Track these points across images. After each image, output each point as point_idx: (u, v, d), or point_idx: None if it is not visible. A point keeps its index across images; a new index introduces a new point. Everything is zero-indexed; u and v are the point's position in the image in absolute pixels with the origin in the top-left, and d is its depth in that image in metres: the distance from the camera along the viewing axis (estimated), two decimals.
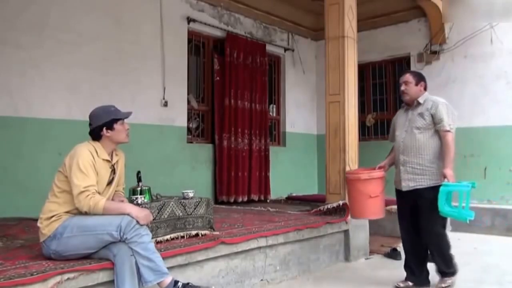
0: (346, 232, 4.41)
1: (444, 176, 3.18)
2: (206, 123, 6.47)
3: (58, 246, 2.47)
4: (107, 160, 2.68)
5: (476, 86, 6.51)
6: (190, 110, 6.17)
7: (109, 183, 2.69)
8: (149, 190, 3.13)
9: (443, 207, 3.08)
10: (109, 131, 2.66)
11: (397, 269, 4.10)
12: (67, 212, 2.54)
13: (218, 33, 6.49)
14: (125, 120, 2.77)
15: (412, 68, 7.14)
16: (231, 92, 6.38)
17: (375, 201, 3.56)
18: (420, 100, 3.40)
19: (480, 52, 6.47)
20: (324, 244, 4.19)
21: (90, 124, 2.68)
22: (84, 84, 4.87)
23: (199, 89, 6.46)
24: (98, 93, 4.84)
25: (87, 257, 2.52)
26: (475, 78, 6.53)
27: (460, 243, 5.33)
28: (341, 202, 4.38)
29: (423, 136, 3.33)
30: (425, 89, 3.47)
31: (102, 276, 2.46)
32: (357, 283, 3.69)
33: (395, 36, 7.26)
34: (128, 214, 2.48)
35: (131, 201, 2.93)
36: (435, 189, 3.22)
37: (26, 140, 4.46)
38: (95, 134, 2.67)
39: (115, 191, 2.80)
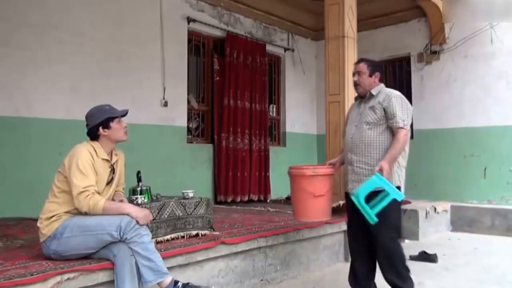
0: (346, 232, 4.40)
1: (380, 169, 2.71)
2: (206, 123, 6.47)
3: (58, 246, 2.47)
4: (106, 160, 2.67)
5: (476, 86, 6.51)
6: (190, 110, 6.17)
7: (109, 182, 2.69)
8: (149, 190, 3.13)
9: (362, 194, 2.69)
10: (105, 130, 2.64)
11: None
12: (67, 212, 2.54)
13: (218, 33, 6.49)
14: (125, 120, 2.77)
15: (413, 69, 7.15)
16: (231, 92, 6.38)
17: (319, 201, 3.11)
18: (373, 92, 3.02)
19: (480, 52, 6.47)
20: (324, 244, 4.19)
21: (87, 125, 2.67)
22: (85, 84, 4.87)
23: (199, 89, 6.46)
24: (99, 93, 4.84)
25: (87, 257, 2.52)
26: (475, 78, 6.52)
27: (460, 243, 5.34)
28: (341, 202, 4.37)
29: (373, 132, 2.94)
30: (380, 80, 3.08)
31: (102, 276, 2.46)
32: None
33: (395, 36, 7.26)
34: (127, 214, 2.48)
35: (131, 201, 2.93)
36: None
37: (26, 140, 4.46)
38: (93, 134, 2.66)
39: (115, 191, 2.80)
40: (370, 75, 3.03)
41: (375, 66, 3.07)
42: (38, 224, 2.56)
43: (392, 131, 2.89)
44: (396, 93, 2.96)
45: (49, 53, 4.64)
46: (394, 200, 2.72)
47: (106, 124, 2.64)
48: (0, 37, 4.34)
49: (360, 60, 3.15)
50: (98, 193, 2.54)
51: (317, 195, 3.07)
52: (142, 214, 2.53)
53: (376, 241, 2.91)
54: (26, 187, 4.31)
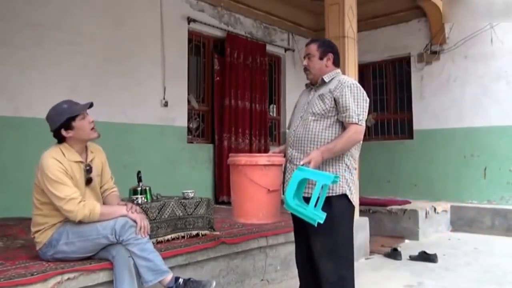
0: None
1: (309, 161, 2.26)
2: (206, 123, 6.47)
3: (56, 253, 2.46)
4: (80, 162, 2.53)
5: (476, 86, 6.51)
6: (190, 110, 6.17)
7: (89, 183, 2.56)
8: (149, 190, 3.14)
9: (290, 198, 2.23)
10: (69, 131, 2.46)
11: (397, 270, 4.11)
12: (55, 223, 2.47)
13: (218, 33, 6.49)
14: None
15: (413, 69, 7.15)
16: (231, 92, 6.38)
17: (273, 198, 2.54)
18: (326, 78, 2.50)
19: (480, 52, 6.47)
20: None
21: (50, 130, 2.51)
22: (85, 84, 4.86)
23: (199, 89, 6.46)
24: (98, 93, 4.83)
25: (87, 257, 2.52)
26: (476, 78, 6.52)
27: (460, 243, 5.34)
28: None
29: (319, 125, 2.42)
30: (334, 63, 2.56)
31: (102, 276, 2.46)
32: (357, 283, 3.67)
33: (395, 36, 7.26)
34: (124, 216, 2.44)
35: (131, 201, 2.93)
36: (333, 202, 2.33)
37: (26, 140, 4.45)
38: (58, 138, 2.50)
39: (111, 191, 2.75)
40: (321, 58, 2.53)
41: (327, 47, 2.57)
42: (31, 236, 2.53)
43: (344, 126, 2.39)
44: (351, 81, 2.45)
45: (49, 53, 4.64)
46: (342, 209, 2.33)
47: (67, 125, 2.44)
48: (0, 37, 4.34)
49: (310, 41, 2.63)
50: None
51: (271, 189, 2.51)
52: (139, 216, 2.48)
53: (320, 268, 2.35)
54: (27, 187, 4.25)
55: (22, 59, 4.46)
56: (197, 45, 6.37)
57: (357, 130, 2.34)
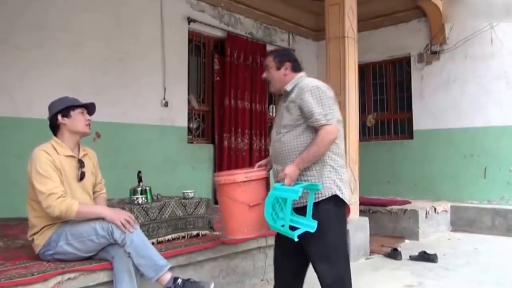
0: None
1: (283, 177, 2.29)
2: (206, 123, 6.47)
3: (55, 254, 2.46)
4: (71, 156, 2.53)
5: (476, 86, 6.51)
6: (190, 110, 6.17)
7: (81, 179, 2.56)
8: (149, 190, 3.14)
9: (270, 219, 2.25)
10: (65, 118, 2.51)
11: (397, 270, 4.11)
12: (53, 224, 2.46)
13: (218, 34, 6.49)
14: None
15: (413, 69, 7.15)
16: (231, 92, 6.38)
17: (256, 212, 2.49)
18: (288, 87, 2.47)
19: (480, 52, 6.47)
20: None
21: (48, 118, 2.56)
22: (85, 84, 4.86)
23: (200, 89, 6.46)
24: (99, 93, 4.84)
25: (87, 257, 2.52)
26: (476, 78, 6.52)
27: (460, 243, 5.34)
28: None
29: (291, 135, 2.41)
30: (294, 70, 2.51)
31: (102, 276, 2.46)
32: (357, 283, 3.68)
33: (395, 36, 7.27)
34: (103, 218, 2.41)
35: (131, 201, 2.94)
36: (321, 206, 2.32)
37: (26, 140, 4.42)
38: (53, 125, 2.55)
39: (99, 193, 2.75)
40: (278, 68, 2.51)
41: (282, 56, 2.55)
42: (29, 238, 2.52)
43: (316, 130, 2.35)
44: (310, 84, 2.39)
45: (49, 53, 4.64)
46: (329, 212, 2.30)
47: (65, 112, 2.52)
48: (0, 37, 4.34)
49: (267, 54, 2.66)
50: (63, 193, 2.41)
51: (252, 205, 2.49)
52: (117, 215, 2.42)
53: (319, 274, 2.36)
54: (26, 188, 4.30)
55: (22, 59, 4.47)
56: (198, 45, 6.37)
57: (328, 131, 2.31)
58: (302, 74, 2.52)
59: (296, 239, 2.17)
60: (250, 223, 2.49)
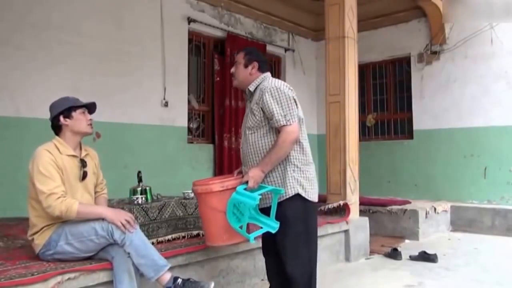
0: (346, 232, 4.41)
1: (247, 181, 2.35)
2: (206, 124, 6.47)
3: (55, 254, 2.46)
4: (73, 156, 2.54)
5: (476, 86, 6.51)
6: (190, 110, 6.17)
7: (83, 178, 2.57)
8: (149, 190, 3.14)
9: (233, 222, 2.36)
10: (66, 119, 2.52)
11: (397, 270, 4.11)
12: (53, 224, 2.47)
13: (218, 34, 6.49)
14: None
15: (413, 69, 7.15)
16: (231, 92, 6.39)
17: None
18: (251, 87, 2.56)
19: (480, 52, 6.47)
20: (325, 244, 4.19)
21: (50, 118, 2.57)
22: (85, 84, 4.86)
23: (200, 89, 6.46)
24: (99, 93, 4.84)
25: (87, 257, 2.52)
26: (476, 78, 6.52)
27: (460, 243, 5.34)
28: (341, 202, 4.39)
29: (256, 136, 2.50)
30: (260, 70, 2.58)
31: (102, 276, 2.46)
32: (358, 283, 3.69)
33: (395, 36, 7.27)
34: (103, 218, 2.41)
35: (131, 201, 2.94)
36: (285, 205, 2.39)
37: (27, 141, 4.45)
38: (55, 126, 2.56)
39: (100, 193, 2.76)
40: (246, 66, 2.57)
41: (252, 55, 2.60)
42: (29, 238, 2.52)
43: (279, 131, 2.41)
44: (272, 85, 2.44)
45: (49, 53, 4.64)
46: (293, 209, 2.38)
47: (67, 113, 2.53)
48: (0, 37, 4.34)
49: (240, 50, 2.71)
50: (64, 192, 2.42)
51: None
52: (117, 216, 2.42)
53: (286, 271, 2.44)
54: (27, 187, 4.30)
55: (22, 59, 4.47)
56: (197, 45, 6.37)
57: (289, 131, 2.36)
58: (266, 74, 2.58)
59: (252, 242, 2.34)
60: (229, 230, 2.48)
